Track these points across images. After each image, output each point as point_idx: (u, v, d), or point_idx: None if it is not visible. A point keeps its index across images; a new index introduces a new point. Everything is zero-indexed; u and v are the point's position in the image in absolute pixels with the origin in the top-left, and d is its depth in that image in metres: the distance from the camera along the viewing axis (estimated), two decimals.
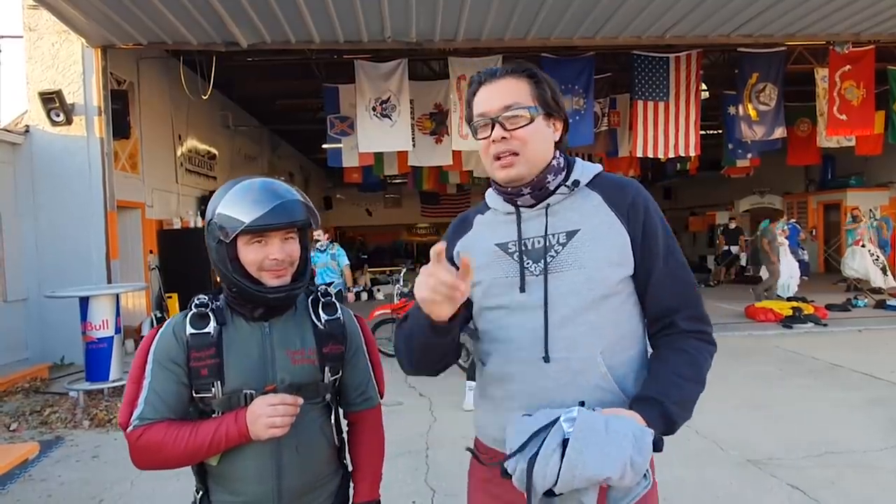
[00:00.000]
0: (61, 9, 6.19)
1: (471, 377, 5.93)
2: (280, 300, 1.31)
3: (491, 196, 1.38)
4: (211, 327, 1.30)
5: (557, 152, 1.31)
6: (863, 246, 10.61)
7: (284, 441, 1.30)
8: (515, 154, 1.24)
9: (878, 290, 10.62)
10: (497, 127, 1.23)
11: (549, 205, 1.28)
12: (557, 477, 1.00)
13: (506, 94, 1.24)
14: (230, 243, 1.26)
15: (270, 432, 1.23)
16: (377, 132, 8.39)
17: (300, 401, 1.27)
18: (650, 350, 1.32)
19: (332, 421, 1.45)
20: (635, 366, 1.27)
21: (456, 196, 22.65)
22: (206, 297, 1.34)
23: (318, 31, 6.94)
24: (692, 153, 9.24)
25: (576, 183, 1.28)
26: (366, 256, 18.89)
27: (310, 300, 1.42)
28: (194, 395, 1.30)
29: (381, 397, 1.52)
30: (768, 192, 17.43)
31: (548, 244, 1.27)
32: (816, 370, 6.13)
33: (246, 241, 1.27)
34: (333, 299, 1.44)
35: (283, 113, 13.47)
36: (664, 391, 1.17)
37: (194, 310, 1.32)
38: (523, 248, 1.28)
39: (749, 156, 11.86)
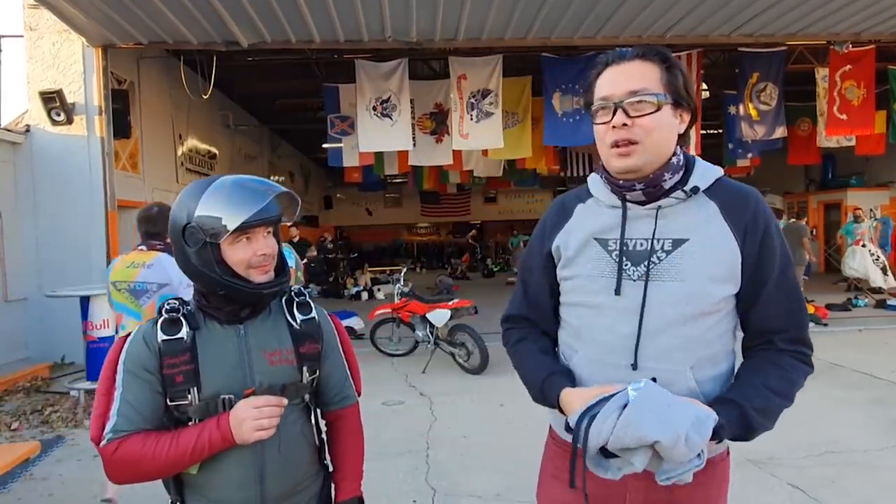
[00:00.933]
0: (62, 8, 6.19)
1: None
2: (274, 294, 1.31)
3: (596, 183, 1.29)
4: (184, 332, 1.25)
5: (678, 148, 1.22)
6: (863, 245, 10.60)
7: (267, 444, 1.26)
8: (635, 143, 1.15)
9: (878, 290, 10.61)
10: (619, 112, 1.15)
11: (660, 206, 1.20)
12: (611, 434, 1.02)
13: (634, 77, 1.15)
14: (215, 245, 1.23)
15: (257, 435, 1.19)
16: (377, 132, 8.38)
17: (285, 401, 1.25)
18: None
19: (313, 421, 1.44)
20: (724, 381, 1.22)
21: (456, 196, 22.69)
22: (176, 302, 1.30)
23: (319, 30, 6.94)
24: (692, 153, 9.19)
25: (695, 189, 1.20)
26: (355, 255, 18.98)
27: (283, 300, 1.40)
28: (169, 403, 1.24)
29: (359, 395, 1.52)
30: (769, 192, 17.40)
31: (651, 248, 1.19)
32: (817, 370, 6.01)
33: (231, 241, 1.23)
34: (307, 299, 1.42)
35: (284, 112, 13.48)
36: (747, 396, 1.13)
37: (165, 315, 1.27)
38: (624, 247, 1.21)
39: (749, 155, 11.83)
